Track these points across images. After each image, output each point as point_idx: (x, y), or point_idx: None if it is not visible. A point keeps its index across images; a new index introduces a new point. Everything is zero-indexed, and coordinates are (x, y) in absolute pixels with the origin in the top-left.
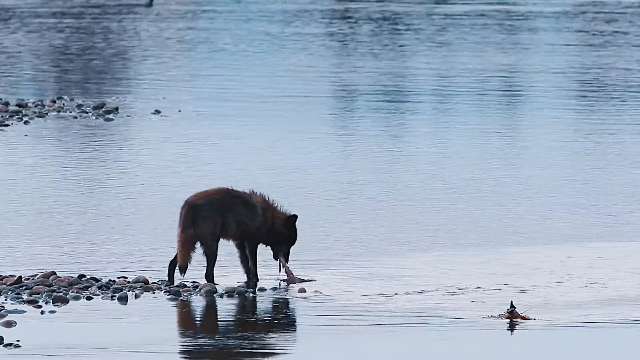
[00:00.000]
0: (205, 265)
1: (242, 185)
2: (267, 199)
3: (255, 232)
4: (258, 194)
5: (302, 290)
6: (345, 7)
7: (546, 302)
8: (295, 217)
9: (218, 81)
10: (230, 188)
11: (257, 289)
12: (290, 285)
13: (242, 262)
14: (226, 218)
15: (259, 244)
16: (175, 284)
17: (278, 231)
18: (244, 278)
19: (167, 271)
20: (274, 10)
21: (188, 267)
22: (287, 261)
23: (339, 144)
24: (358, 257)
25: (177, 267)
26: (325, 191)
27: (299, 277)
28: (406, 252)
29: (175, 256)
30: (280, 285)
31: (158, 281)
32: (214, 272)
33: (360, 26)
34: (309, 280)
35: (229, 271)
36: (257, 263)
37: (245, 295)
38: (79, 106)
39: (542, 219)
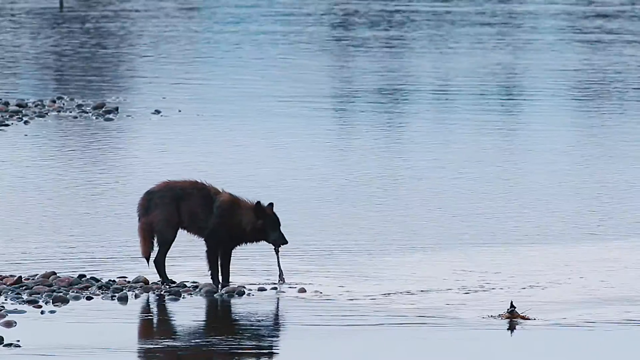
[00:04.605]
0: (159, 251)
1: (241, 184)
2: (234, 199)
3: (212, 230)
4: (226, 193)
5: (302, 290)
6: (345, 7)
7: (546, 302)
8: (259, 203)
9: (218, 81)
10: (199, 181)
11: (257, 289)
12: (280, 281)
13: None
14: (180, 206)
15: (218, 245)
16: (175, 283)
17: (249, 228)
18: (243, 278)
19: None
20: (274, 10)
21: (151, 256)
22: (284, 243)
23: (340, 144)
24: (358, 257)
25: (152, 262)
26: (325, 190)
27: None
28: (406, 252)
29: (157, 254)
30: (279, 284)
31: (158, 281)
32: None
33: (361, 26)
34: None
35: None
36: (220, 266)
37: (246, 295)
38: (79, 106)
39: (542, 218)
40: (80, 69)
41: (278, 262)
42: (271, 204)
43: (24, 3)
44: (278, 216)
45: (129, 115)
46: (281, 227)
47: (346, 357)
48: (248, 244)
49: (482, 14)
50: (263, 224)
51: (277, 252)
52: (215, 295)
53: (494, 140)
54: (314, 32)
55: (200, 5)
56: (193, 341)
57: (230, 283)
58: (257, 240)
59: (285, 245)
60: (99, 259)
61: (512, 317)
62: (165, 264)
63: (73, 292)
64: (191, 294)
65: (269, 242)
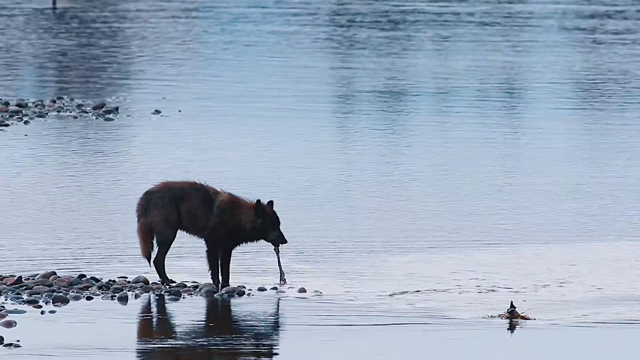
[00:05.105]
0: (158, 252)
1: (241, 184)
2: (233, 199)
3: (212, 230)
4: (225, 193)
5: (302, 290)
6: (346, 7)
7: (546, 302)
8: (260, 202)
9: (218, 81)
10: (198, 182)
11: (257, 288)
12: (281, 281)
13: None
14: (179, 207)
15: (218, 245)
16: (175, 283)
17: (249, 227)
18: (241, 278)
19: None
20: (273, 10)
21: (151, 256)
22: (283, 242)
23: (340, 144)
24: (358, 257)
25: (152, 262)
26: (325, 190)
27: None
28: (406, 252)
29: (156, 254)
30: (279, 284)
31: (158, 281)
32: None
33: (361, 26)
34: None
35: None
36: (220, 266)
37: (246, 295)
38: (79, 106)
39: (542, 218)
40: (80, 69)
41: (278, 262)
42: (271, 202)
43: (18, 3)
44: (278, 215)
45: (129, 115)
46: (281, 227)
47: (346, 357)
48: (248, 243)
49: (483, 14)
50: (263, 223)
51: (277, 251)
52: (215, 295)
53: (494, 140)
54: (315, 32)
55: (201, 5)
56: (193, 341)
57: (230, 283)
58: (257, 239)
59: (284, 245)
60: (99, 259)
61: (512, 317)
62: (165, 263)
63: (73, 292)
64: (191, 294)
65: (268, 241)
